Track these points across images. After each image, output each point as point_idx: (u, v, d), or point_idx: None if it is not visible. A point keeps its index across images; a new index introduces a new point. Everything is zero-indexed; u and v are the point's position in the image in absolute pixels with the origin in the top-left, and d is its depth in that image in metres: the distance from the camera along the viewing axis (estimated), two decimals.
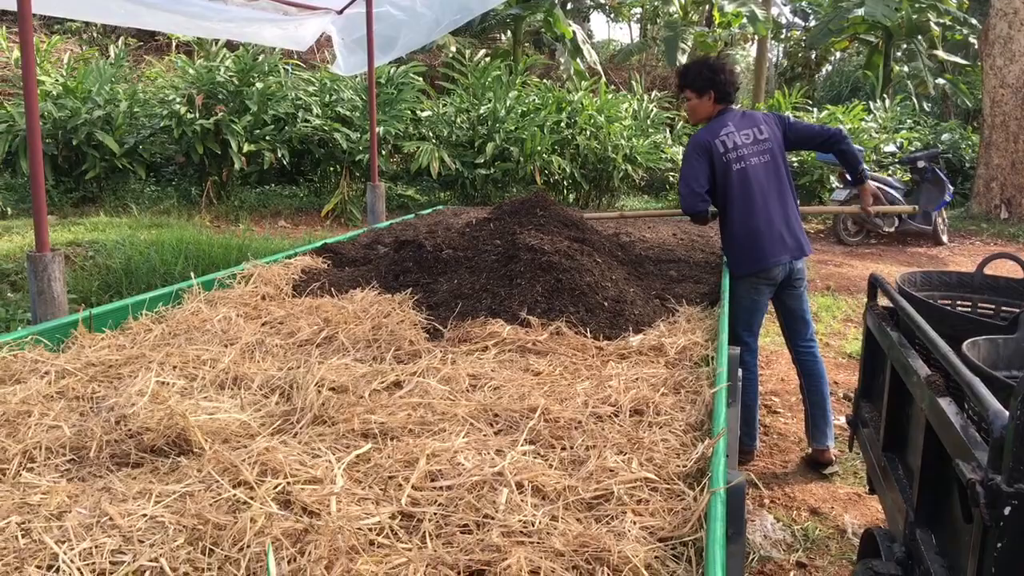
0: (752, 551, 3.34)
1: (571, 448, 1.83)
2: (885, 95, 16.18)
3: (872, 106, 14.29)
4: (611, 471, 1.69)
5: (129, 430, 1.84)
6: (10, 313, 5.78)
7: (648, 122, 12.97)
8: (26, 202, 9.69)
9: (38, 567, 1.28)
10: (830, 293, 8.11)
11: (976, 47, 19.60)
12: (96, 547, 1.34)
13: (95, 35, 15.89)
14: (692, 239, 4.88)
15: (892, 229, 10.75)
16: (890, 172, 11.87)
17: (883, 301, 2.62)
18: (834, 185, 11.63)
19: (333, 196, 10.99)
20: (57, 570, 1.28)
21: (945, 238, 11.06)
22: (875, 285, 2.62)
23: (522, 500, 1.57)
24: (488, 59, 13.60)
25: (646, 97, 13.70)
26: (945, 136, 14.99)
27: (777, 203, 3.77)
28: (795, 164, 12.06)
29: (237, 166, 10.54)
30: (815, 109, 14.73)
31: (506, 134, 11.23)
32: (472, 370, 2.31)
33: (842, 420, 4.42)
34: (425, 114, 11.81)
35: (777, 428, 4.70)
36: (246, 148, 10.48)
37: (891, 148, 12.64)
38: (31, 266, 3.59)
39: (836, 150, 4.01)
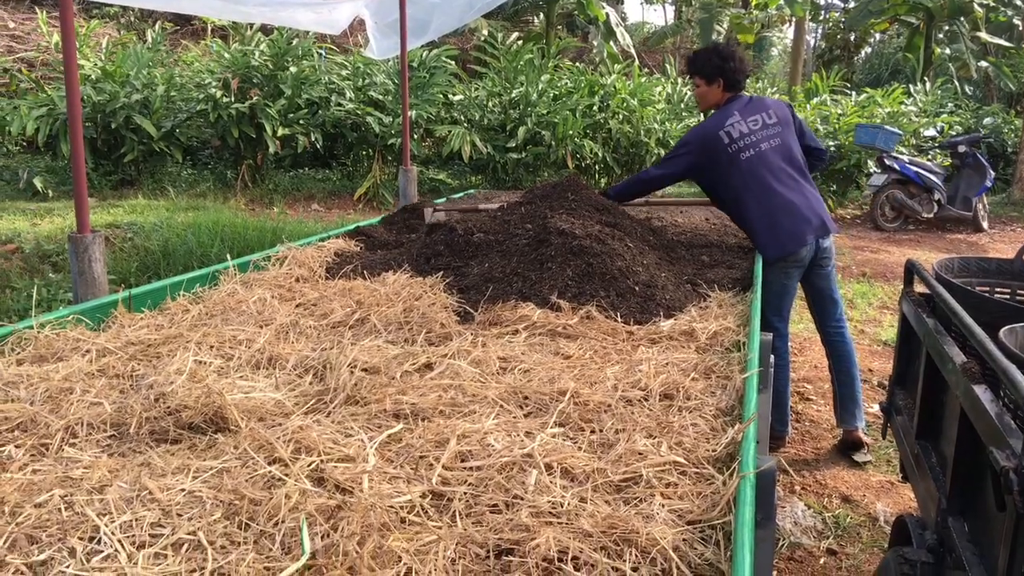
0: (782, 537, 3.33)
1: (600, 431, 1.84)
2: (926, 78, 15.85)
3: (912, 89, 14.02)
4: (640, 454, 1.70)
5: (168, 407, 1.88)
6: (52, 293, 5.91)
7: (682, 106, 12.85)
8: (67, 184, 9.89)
9: (80, 539, 1.31)
10: (866, 280, 8.00)
11: (1020, 28, 19.09)
12: (136, 520, 1.38)
13: (132, 20, 16.10)
14: (725, 224, 4.83)
15: (931, 215, 10.56)
16: (930, 157, 11.65)
17: (919, 287, 2.58)
18: (872, 170, 11.44)
19: (366, 180, 11.06)
20: (99, 542, 1.32)
21: (985, 224, 10.85)
22: (911, 271, 2.59)
23: (551, 482, 1.58)
24: (520, 42, 13.55)
25: (680, 80, 13.55)
26: (987, 120, 14.65)
27: (794, 185, 3.73)
28: (832, 148, 11.86)
29: (271, 150, 10.64)
30: (853, 92, 14.48)
31: (538, 118, 11.20)
32: (502, 353, 2.32)
33: (876, 408, 4.38)
34: (457, 98, 11.81)
35: (809, 415, 4.67)
36: (280, 132, 10.57)
37: (931, 132, 12.40)
38: (72, 247, 3.67)
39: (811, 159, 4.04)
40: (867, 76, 23.85)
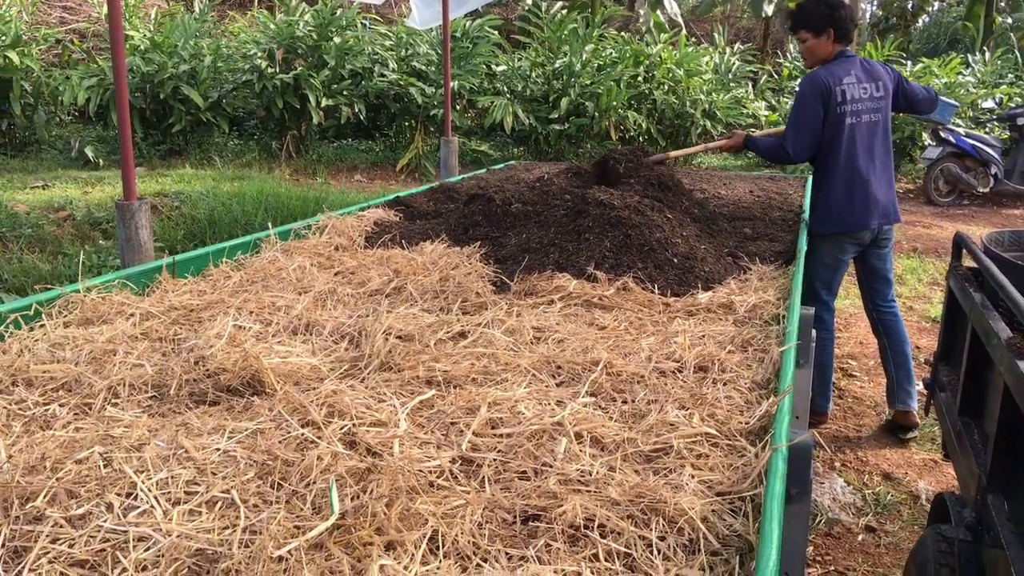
0: (820, 513, 3.30)
1: (632, 402, 1.83)
2: (985, 48, 15.29)
3: (971, 59, 13.54)
4: (671, 425, 1.69)
5: (207, 370, 1.92)
6: (102, 259, 6.06)
7: (729, 76, 12.58)
8: (117, 153, 10.07)
9: (118, 494, 1.35)
10: (917, 255, 7.81)
11: None
12: (172, 477, 1.41)
13: None
14: (769, 196, 4.75)
15: (987, 189, 10.24)
16: (987, 129, 11.27)
17: (968, 262, 2.51)
18: (926, 143, 11.13)
19: (408, 151, 11.07)
20: (135, 498, 1.36)
21: None
22: (960, 244, 2.51)
23: (580, 450, 1.58)
24: (565, 11, 13.37)
25: (728, 50, 13.27)
26: None
27: (879, 165, 3.63)
28: None
29: (315, 120, 10.70)
30: (909, 62, 14.03)
31: (581, 89, 11.07)
32: (537, 323, 2.32)
33: (921, 385, 4.29)
34: (500, 68, 11.73)
35: (853, 392, 4.60)
36: (324, 103, 10.62)
37: (989, 104, 11.98)
38: (119, 214, 3.75)
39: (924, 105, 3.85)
40: (925, 45, 23.10)
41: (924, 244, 8.27)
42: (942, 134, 10.23)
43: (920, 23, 24.19)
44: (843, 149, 3.58)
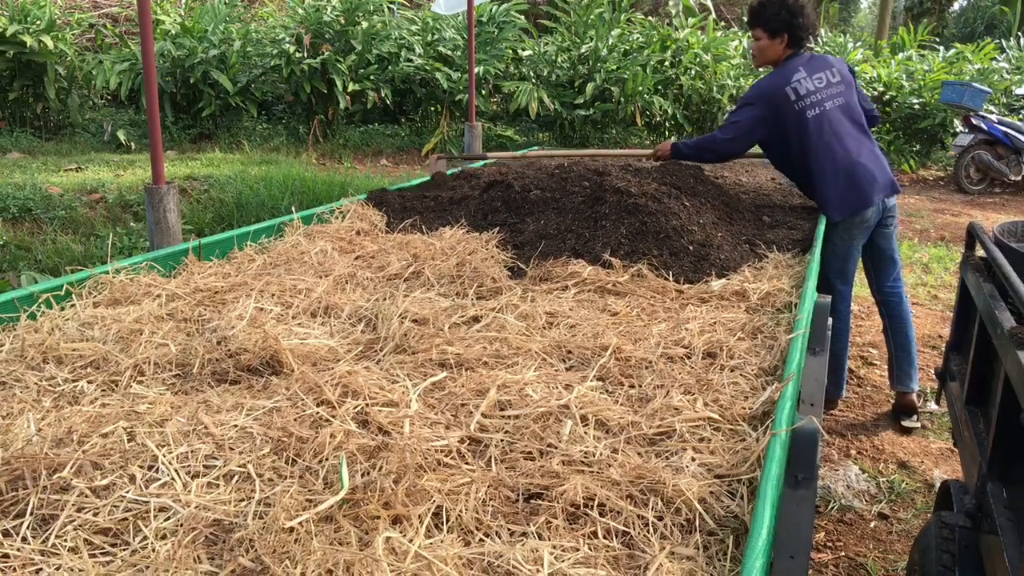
0: (832, 500, 3.32)
1: (639, 386, 1.87)
2: (1020, 33, 14.97)
3: (1005, 45, 13.28)
4: (675, 409, 1.73)
5: (229, 350, 1.98)
6: (132, 241, 6.19)
7: None
8: (148, 137, 10.24)
9: (140, 467, 1.43)
10: (944, 244, 7.73)
11: None
12: (192, 452, 1.48)
13: None
14: (791, 184, 4.73)
15: (1019, 178, 10.08)
16: (1021, 116, 11.07)
17: (981, 252, 2.51)
18: (957, 129, 10.95)
19: (433, 136, 11.12)
20: (156, 470, 1.43)
21: None
22: (973, 234, 2.51)
23: (585, 432, 1.62)
24: None
25: None
26: None
27: (858, 144, 3.63)
28: (916, 106, 11.39)
29: (342, 105, 10.79)
30: (942, 48, 13.80)
31: (607, 74, 11.04)
32: (550, 308, 2.37)
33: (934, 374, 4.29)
34: (526, 53, 11.72)
35: (872, 380, 4.59)
36: (351, 87, 10.70)
37: (1023, 91, 11.76)
38: (148, 198, 3.84)
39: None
40: (961, 30, 22.68)
41: (952, 233, 8.18)
42: (974, 121, 10.07)
43: (956, 7, 23.73)
44: (818, 140, 3.59)
